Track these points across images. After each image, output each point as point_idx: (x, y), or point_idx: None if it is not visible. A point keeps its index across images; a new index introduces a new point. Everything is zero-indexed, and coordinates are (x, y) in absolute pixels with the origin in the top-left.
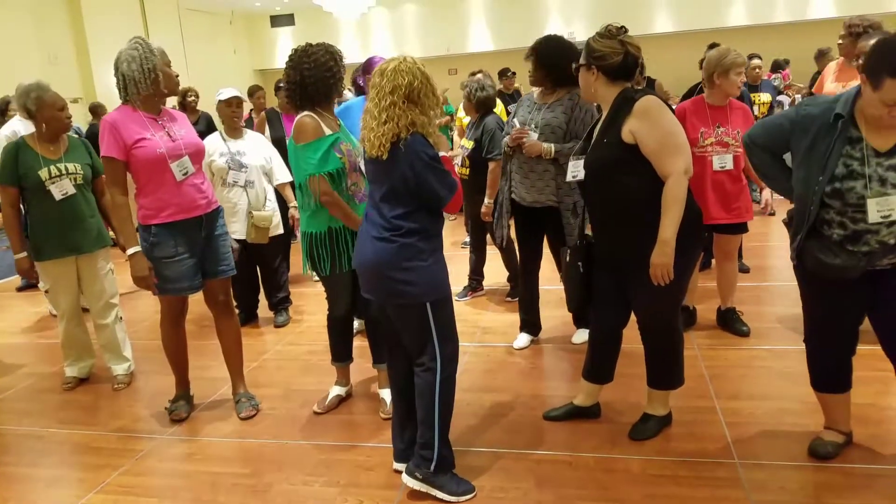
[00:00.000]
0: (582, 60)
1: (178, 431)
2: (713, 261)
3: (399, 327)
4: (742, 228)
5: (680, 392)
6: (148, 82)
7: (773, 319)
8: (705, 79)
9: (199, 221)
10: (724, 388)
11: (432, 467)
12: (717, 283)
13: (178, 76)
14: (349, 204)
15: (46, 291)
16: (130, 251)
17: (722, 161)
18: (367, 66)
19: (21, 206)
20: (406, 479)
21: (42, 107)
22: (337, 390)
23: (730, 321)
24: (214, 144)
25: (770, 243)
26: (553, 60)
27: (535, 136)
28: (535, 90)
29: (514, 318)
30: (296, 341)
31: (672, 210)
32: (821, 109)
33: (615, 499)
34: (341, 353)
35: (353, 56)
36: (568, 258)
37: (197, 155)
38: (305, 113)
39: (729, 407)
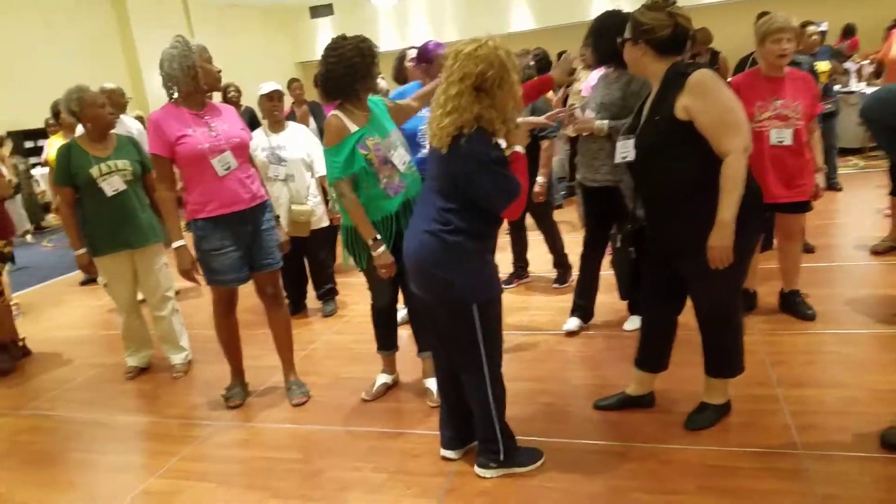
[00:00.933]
0: (627, 35)
1: (234, 418)
2: (775, 241)
3: (443, 324)
4: (805, 207)
5: (739, 380)
6: (188, 79)
7: (841, 302)
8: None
9: (244, 216)
10: (788, 375)
11: (501, 457)
12: (779, 264)
13: (219, 71)
14: (382, 198)
15: (105, 285)
16: (175, 245)
17: (780, 135)
18: (421, 54)
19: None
20: (482, 472)
21: (84, 106)
22: (383, 378)
23: (793, 304)
24: (257, 139)
25: (837, 221)
26: (607, 35)
27: (591, 114)
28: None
29: (562, 305)
30: (343, 330)
31: (731, 190)
32: None
33: (670, 490)
34: (386, 342)
35: (391, 44)
36: (619, 243)
37: (240, 149)
38: (332, 112)
39: (793, 395)
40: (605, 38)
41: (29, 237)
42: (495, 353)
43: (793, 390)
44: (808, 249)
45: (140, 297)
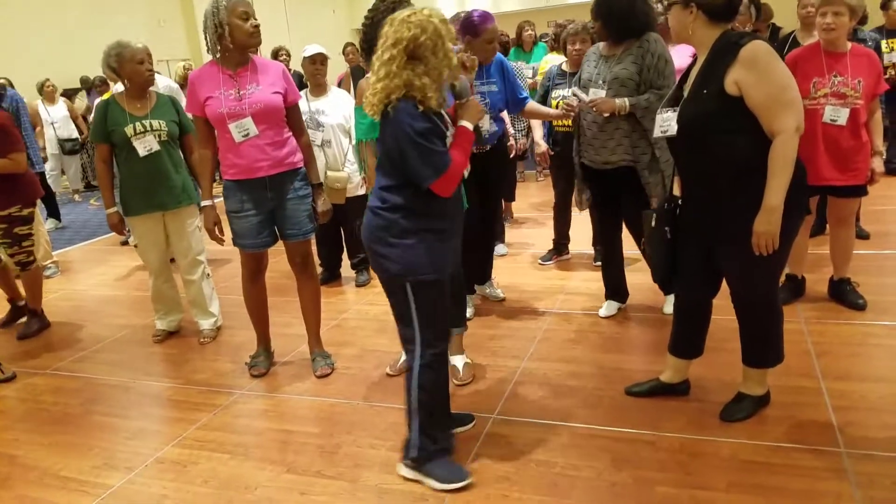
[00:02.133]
0: None
1: (256, 387)
2: (827, 226)
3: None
4: (860, 191)
5: (781, 370)
6: (215, 37)
7: (894, 293)
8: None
9: (263, 182)
10: (833, 367)
11: (413, 456)
12: (830, 250)
13: (255, 27)
14: None
15: (136, 246)
16: (203, 204)
17: (835, 113)
18: (466, 25)
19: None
20: (398, 468)
21: (122, 63)
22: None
23: (843, 293)
24: (301, 104)
25: (895, 207)
26: (611, 10)
27: (602, 92)
28: (601, 44)
29: (601, 284)
30: (374, 301)
31: (781, 172)
32: None
33: (697, 485)
34: None
35: (449, 8)
36: (654, 222)
37: (265, 114)
38: (369, 74)
39: (837, 388)
40: (617, 13)
41: (77, 196)
42: (431, 337)
43: (837, 383)
44: (863, 235)
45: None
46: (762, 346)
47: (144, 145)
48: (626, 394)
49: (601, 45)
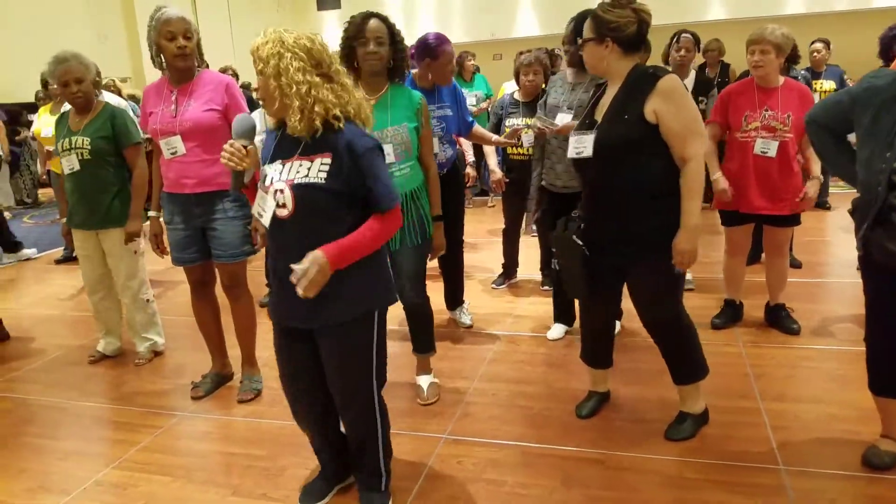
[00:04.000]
0: (590, 34)
1: (200, 409)
2: (763, 254)
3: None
4: (793, 221)
5: (721, 391)
6: (152, 53)
7: (826, 318)
8: None
9: (192, 199)
10: (770, 388)
11: (385, 484)
12: (766, 277)
13: (179, 48)
14: None
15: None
16: (149, 214)
17: (765, 146)
18: (423, 48)
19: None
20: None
21: (52, 80)
22: None
23: (779, 318)
24: (259, 123)
25: (825, 238)
26: None
27: (568, 117)
28: (568, 70)
29: (549, 307)
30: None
31: (697, 194)
32: (886, 81)
33: (645, 501)
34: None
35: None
36: (574, 239)
37: (195, 132)
38: None
39: (774, 409)
40: None
41: (7, 213)
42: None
43: (775, 404)
44: (795, 265)
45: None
46: (687, 361)
47: (68, 164)
48: (577, 416)
49: (568, 71)
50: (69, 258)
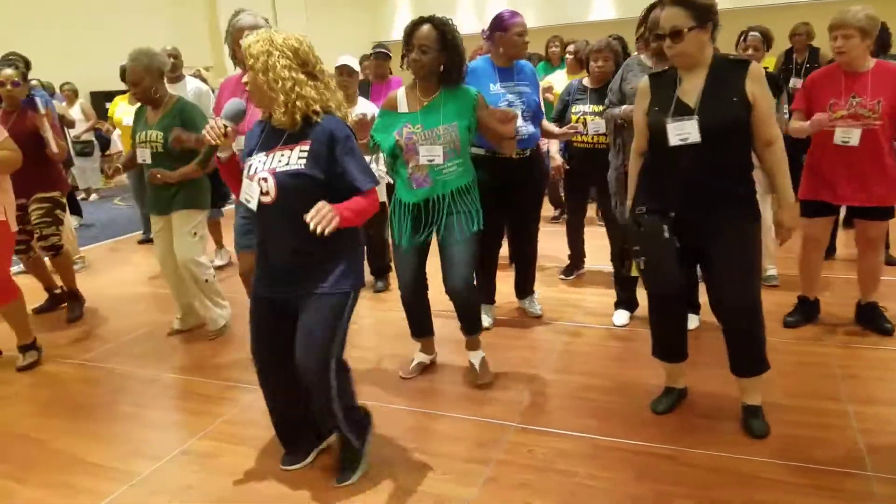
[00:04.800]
0: (692, 21)
1: None
2: (835, 250)
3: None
4: (887, 214)
5: (807, 392)
6: (230, 53)
7: None
8: None
9: None
10: (859, 391)
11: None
12: (857, 274)
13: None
14: (405, 186)
15: None
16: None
17: (845, 135)
18: (496, 22)
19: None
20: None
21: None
22: (420, 358)
23: (871, 318)
24: None
25: None
26: None
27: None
28: (643, 56)
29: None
30: (394, 308)
31: (787, 173)
32: None
33: (717, 500)
34: (414, 328)
35: (468, 27)
36: (666, 233)
37: None
38: (404, 87)
39: (863, 412)
40: None
41: (94, 196)
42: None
43: (864, 407)
44: (892, 262)
45: None
46: (755, 352)
47: (141, 156)
48: (653, 412)
49: (642, 57)
50: (148, 240)
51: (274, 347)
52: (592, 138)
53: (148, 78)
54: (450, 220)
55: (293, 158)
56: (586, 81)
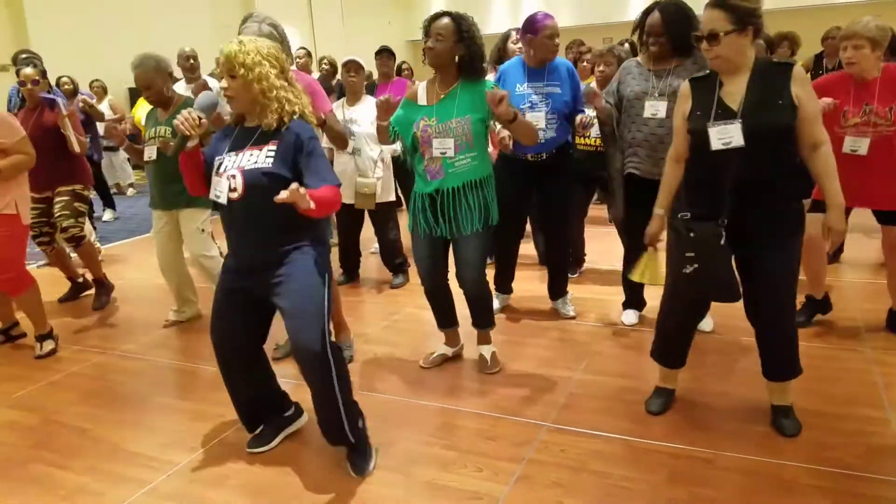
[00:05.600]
0: (729, 25)
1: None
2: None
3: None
4: None
5: (846, 399)
6: None
7: None
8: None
9: None
10: None
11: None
12: (887, 279)
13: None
14: (421, 177)
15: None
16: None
17: (854, 144)
18: (528, 23)
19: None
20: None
21: None
22: (442, 350)
23: None
24: (336, 111)
25: None
26: (682, 27)
27: (662, 104)
28: (641, 57)
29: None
30: (426, 305)
31: (836, 175)
32: None
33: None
34: (439, 319)
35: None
36: (722, 239)
37: None
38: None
39: None
40: (682, 26)
41: (130, 191)
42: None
43: None
44: None
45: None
46: (792, 356)
47: (148, 153)
48: (647, 412)
49: (639, 59)
50: None
51: (234, 330)
52: (595, 140)
53: (159, 79)
54: (461, 214)
55: (261, 157)
56: (593, 85)
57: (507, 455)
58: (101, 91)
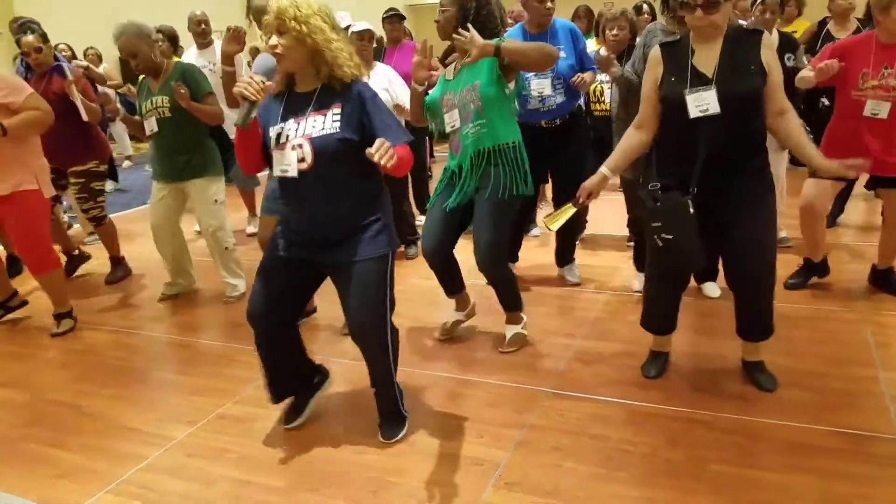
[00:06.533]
0: None
1: (313, 351)
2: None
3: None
4: None
5: (839, 359)
6: None
7: None
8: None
9: None
10: (893, 358)
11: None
12: (879, 242)
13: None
14: (450, 155)
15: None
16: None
17: (875, 107)
18: None
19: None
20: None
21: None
22: (454, 316)
23: (889, 281)
24: None
25: None
26: None
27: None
28: (666, 20)
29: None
30: (430, 275)
31: (804, 132)
32: None
33: (752, 465)
34: (446, 286)
35: None
36: (691, 208)
37: None
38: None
39: (894, 378)
40: None
41: (126, 163)
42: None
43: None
44: None
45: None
46: (769, 316)
47: (149, 125)
48: (645, 377)
49: (663, 22)
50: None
51: (279, 300)
52: (610, 106)
53: (144, 46)
54: (476, 188)
55: (327, 122)
56: (603, 51)
57: (508, 422)
58: (97, 59)
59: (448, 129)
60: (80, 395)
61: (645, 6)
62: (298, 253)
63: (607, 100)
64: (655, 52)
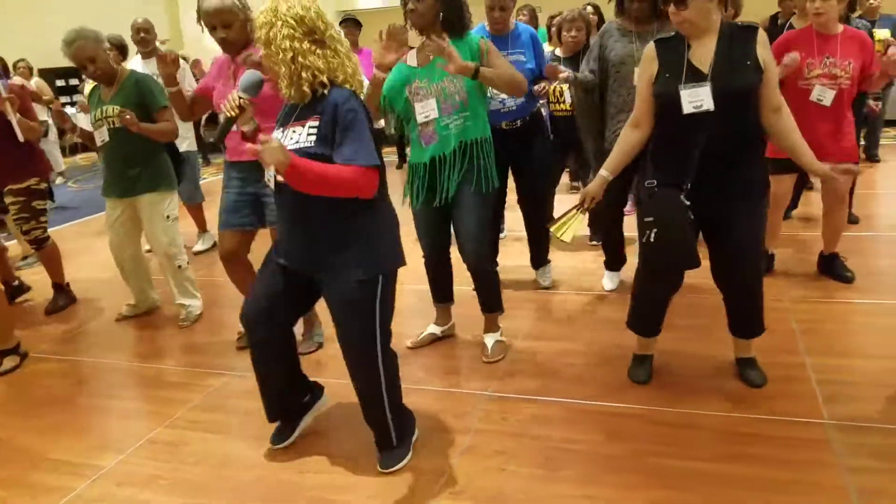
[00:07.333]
0: None
1: (249, 368)
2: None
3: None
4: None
5: (767, 346)
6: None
7: (878, 272)
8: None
9: (253, 165)
10: (817, 344)
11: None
12: (822, 228)
13: (220, 38)
14: (417, 144)
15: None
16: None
17: (821, 94)
18: None
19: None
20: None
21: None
22: (432, 329)
23: (833, 266)
24: None
25: (878, 191)
26: None
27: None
28: (616, 21)
29: (595, 263)
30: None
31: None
32: None
33: (692, 456)
34: (435, 293)
35: None
36: (683, 205)
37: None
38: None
39: (821, 364)
40: None
41: (59, 179)
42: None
43: (821, 359)
44: (853, 220)
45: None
46: (761, 314)
47: (100, 136)
48: (635, 383)
49: (618, 21)
50: None
51: (269, 305)
52: (570, 106)
53: (102, 52)
54: (454, 178)
55: (303, 136)
56: (559, 52)
57: (450, 428)
58: (27, 72)
59: (421, 120)
60: (3, 428)
61: (589, 7)
62: (290, 263)
63: (567, 100)
64: (650, 49)
